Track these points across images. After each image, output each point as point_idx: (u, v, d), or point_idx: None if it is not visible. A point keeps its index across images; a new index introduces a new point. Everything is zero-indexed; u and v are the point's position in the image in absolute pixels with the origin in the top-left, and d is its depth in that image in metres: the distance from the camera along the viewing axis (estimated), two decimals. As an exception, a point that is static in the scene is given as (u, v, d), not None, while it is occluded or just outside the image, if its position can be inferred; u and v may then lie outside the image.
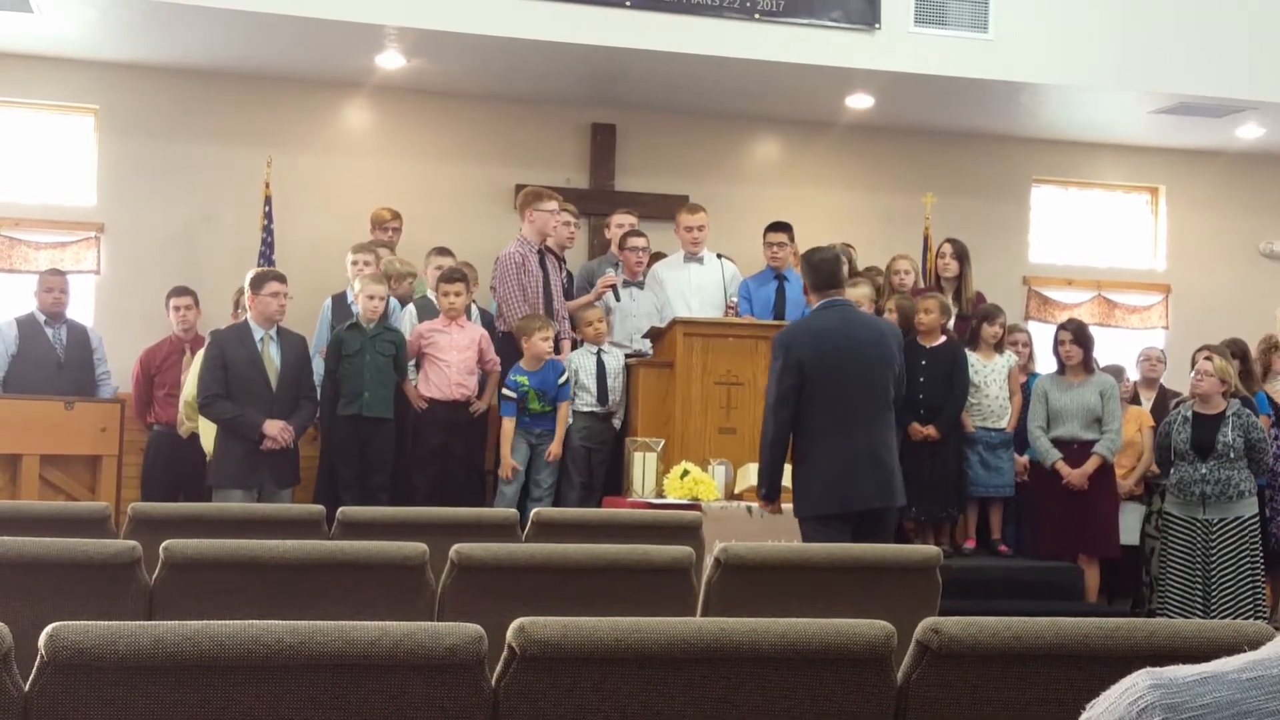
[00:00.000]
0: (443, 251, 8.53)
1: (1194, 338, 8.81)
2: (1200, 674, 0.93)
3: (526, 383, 7.70)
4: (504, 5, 8.17)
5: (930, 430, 7.68)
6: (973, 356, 8.00)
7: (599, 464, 7.91)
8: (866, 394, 5.49)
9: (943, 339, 7.93)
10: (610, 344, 8.11)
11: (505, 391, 7.75)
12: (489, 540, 4.03)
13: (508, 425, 7.74)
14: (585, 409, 7.89)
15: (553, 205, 8.18)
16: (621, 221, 8.82)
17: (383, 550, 3.70)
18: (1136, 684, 0.94)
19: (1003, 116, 9.91)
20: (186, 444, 7.85)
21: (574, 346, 8.15)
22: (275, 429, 7.09)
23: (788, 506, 5.78)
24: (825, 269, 5.65)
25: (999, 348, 8.21)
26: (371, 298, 7.70)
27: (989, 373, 8.02)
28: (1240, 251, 10.94)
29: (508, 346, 7.97)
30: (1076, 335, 7.91)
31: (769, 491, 5.65)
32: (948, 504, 7.86)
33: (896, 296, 8.21)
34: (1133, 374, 8.93)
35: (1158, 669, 0.95)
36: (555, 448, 7.76)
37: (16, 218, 9.09)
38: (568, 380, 7.82)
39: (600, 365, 7.93)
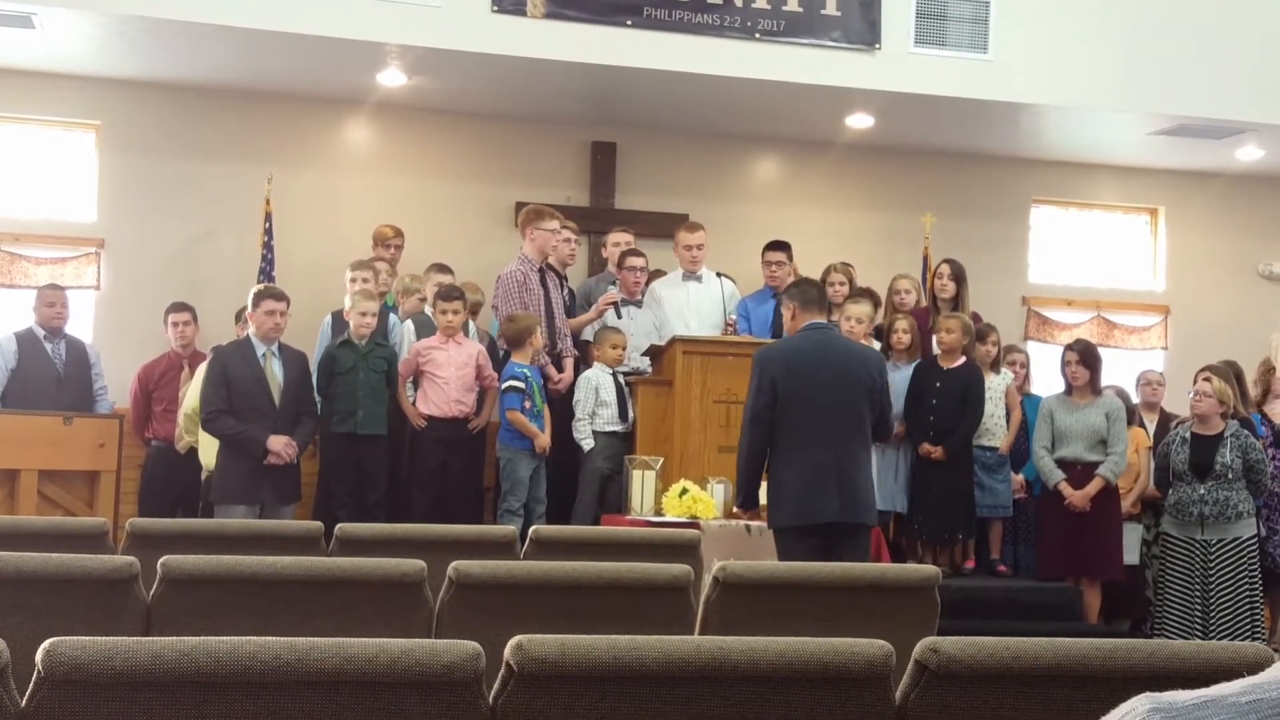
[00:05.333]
0: (442, 268, 8.52)
1: (1193, 358, 8.80)
2: (1200, 698, 0.93)
3: (529, 374, 7.66)
4: (505, 24, 8.19)
5: (937, 450, 7.64)
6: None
7: (615, 489, 7.65)
8: (836, 413, 5.78)
9: (962, 360, 7.84)
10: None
11: (512, 382, 7.55)
12: (487, 557, 4.02)
13: (520, 416, 7.54)
14: (607, 428, 7.79)
15: (554, 224, 8.19)
16: (618, 240, 8.80)
17: (381, 567, 3.70)
18: (1137, 708, 0.94)
19: (1002, 137, 9.92)
20: (184, 459, 7.86)
21: (576, 364, 8.14)
22: (280, 444, 7.07)
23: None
24: (809, 293, 6.09)
25: (994, 367, 8.20)
26: (363, 314, 7.68)
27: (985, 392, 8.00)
28: (1239, 272, 10.96)
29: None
30: (1083, 356, 7.86)
31: (745, 500, 6.08)
32: (954, 526, 7.78)
33: (909, 318, 8.19)
34: (1133, 397, 8.89)
35: (1158, 693, 0.95)
36: (545, 438, 7.62)
37: (17, 233, 9.10)
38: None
39: (618, 384, 7.89)
